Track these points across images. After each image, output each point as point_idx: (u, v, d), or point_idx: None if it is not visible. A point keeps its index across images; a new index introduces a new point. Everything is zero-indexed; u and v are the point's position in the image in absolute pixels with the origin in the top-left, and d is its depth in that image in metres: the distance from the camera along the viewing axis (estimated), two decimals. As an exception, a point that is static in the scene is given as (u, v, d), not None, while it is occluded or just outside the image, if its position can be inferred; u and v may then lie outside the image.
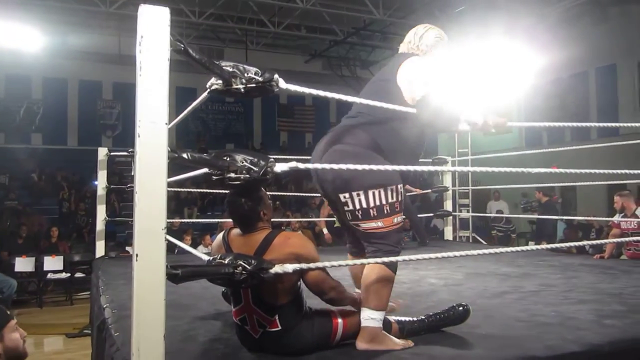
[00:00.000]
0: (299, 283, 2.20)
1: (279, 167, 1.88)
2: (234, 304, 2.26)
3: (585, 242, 6.53)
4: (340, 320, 2.26)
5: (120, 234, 10.34)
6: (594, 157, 8.37)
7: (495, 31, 10.72)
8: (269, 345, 2.19)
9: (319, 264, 2.08)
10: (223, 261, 1.92)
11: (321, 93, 2.04)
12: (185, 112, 2.67)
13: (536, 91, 11.91)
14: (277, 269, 1.93)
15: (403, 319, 2.46)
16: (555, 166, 2.93)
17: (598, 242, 5.93)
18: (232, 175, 1.84)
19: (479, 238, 10.39)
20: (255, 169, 1.84)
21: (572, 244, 3.97)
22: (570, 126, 13.28)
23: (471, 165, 9.13)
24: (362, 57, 16.39)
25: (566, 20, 11.77)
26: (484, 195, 13.37)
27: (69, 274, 8.87)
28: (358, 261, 2.38)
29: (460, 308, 2.49)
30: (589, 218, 8.87)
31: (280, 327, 2.16)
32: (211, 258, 2.01)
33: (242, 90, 1.80)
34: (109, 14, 12.17)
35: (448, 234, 7.02)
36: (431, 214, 8.04)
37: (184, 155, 1.81)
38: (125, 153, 5.72)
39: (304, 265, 2.02)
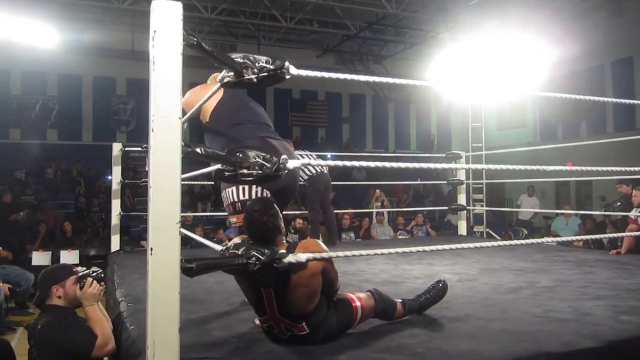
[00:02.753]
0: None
1: (291, 164, 1.88)
2: (258, 314, 2.30)
3: (600, 236, 6.44)
4: (358, 304, 2.35)
5: (135, 229, 10.42)
6: (610, 151, 8.28)
7: (510, 24, 10.61)
8: (297, 343, 2.23)
9: (332, 254, 2.11)
10: (237, 251, 1.93)
11: (333, 75, 2.04)
12: (198, 104, 2.63)
13: (551, 84, 11.73)
14: (290, 258, 1.94)
15: (406, 299, 2.62)
16: (570, 162, 2.88)
17: (614, 235, 5.84)
18: (245, 171, 1.84)
19: (493, 233, 10.34)
20: (268, 165, 1.83)
21: (587, 237, 3.90)
22: (586, 120, 13.24)
23: (485, 159, 9.07)
24: (375, 52, 16.32)
25: (582, 13, 11.61)
26: (499, 189, 13.28)
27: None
28: (385, 250, 2.36)
29: (440, 284, 2.74)
30: (605, 213, 8.77)
31: (308, 331, 2.21)
32: (224, 248, 2.02)
33: (255, 80, 1.80)
34: (122, 10, 12.22)
35: (462, 228, 6.95)
36: (445, 208, 8.00)
37: (198, 150, 1.81)
38: (139, 148, 5.75)
39: (317, 255, 2.03)
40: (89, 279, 2.78)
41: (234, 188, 2.74)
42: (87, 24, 13.56)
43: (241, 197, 2.72)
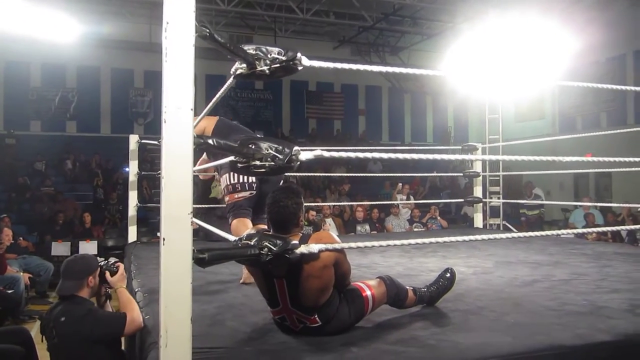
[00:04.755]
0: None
1: (304, 155, 1.87)
2: (270, 306, 2.31)
3: (615, 228, 6.35)
4: (368, 293, 2.35)
5: (153, 220, 10.51)
6: (631, 142, 8.12)
7: (531, 13, 10.42)
8: (309, 335, 2.24)
9: (345, 245, 2.11)
10: (249, 242, 1.94)
11: (346, 66, 2.03)
12: (215, 99, 2.66)
13: (572, 75, 11.57)
14: (303, 249, 1.94)
15: (417, 287, 2.63)
16: (590, 154, 2.84)
17: (627, 227, 5.76)
18: (257, 162, 1.84)
19: (509, 226, 10.23)
20: (280, 156, 1.83)
21: (606, 229, 3.85)
22: (606, 111, 13.02)
23: (502, 151, 8.97)
24: (392, 43, 16.18)
25: (603, 1, 11.38)
26: (516, 182, 13.12)
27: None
28: (398, 242, 2.39)
29: (448, 274, 2.75)
30: (626, 205, 8.63)
31: (320, 323, 2.22)
32: (237, 239, 2.03)
33: (267, 71, 1.79)
34: (140, 2, 12.29)
35: (478, 221, 6.90)
36: (461, 200, 7.95)
37: (210, 142, 1.82)
38: (155, 142, 5.78)
39: (329, 246, 2.04)
40: (120, 264, 2.96)
41: (226, 175, 3.33)
42: (106, 16, 13.64)
43: (232, 181, 3.32)
